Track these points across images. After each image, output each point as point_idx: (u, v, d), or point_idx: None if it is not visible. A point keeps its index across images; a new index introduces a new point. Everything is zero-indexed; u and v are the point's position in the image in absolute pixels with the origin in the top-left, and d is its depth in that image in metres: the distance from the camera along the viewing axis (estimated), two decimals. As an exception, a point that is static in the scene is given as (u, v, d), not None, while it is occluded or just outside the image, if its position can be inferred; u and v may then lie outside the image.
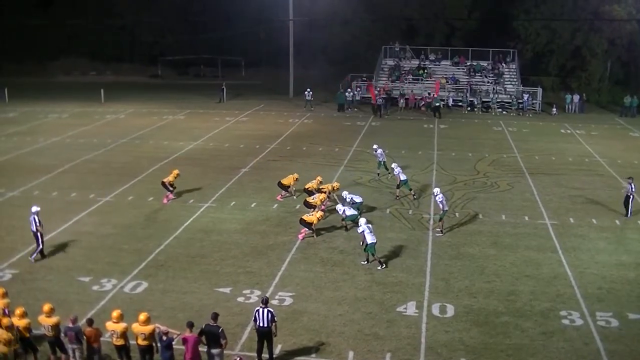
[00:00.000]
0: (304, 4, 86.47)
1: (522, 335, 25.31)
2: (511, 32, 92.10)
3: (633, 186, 38.90)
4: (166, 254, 32.55)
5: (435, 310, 27.10)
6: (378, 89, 77.73)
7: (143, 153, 53.13)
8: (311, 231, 34.89)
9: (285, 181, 41.82)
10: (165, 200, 40.85)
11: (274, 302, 27.47)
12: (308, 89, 76.69)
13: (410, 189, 42.20)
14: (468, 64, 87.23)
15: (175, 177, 41.56)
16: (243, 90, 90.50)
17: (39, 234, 31.88)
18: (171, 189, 41.17)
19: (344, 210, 35.93)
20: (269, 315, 22.63)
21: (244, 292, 28.52)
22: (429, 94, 76.82)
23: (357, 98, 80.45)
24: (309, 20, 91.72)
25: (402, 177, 41.34)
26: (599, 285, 29.80)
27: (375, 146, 48.20)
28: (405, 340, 24.61)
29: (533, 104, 78.50)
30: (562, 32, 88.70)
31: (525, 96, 78.34)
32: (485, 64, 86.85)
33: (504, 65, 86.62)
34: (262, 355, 23.03)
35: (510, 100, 78.82)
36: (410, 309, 27.25)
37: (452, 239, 35.17)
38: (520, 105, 77.67)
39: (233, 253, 32.81)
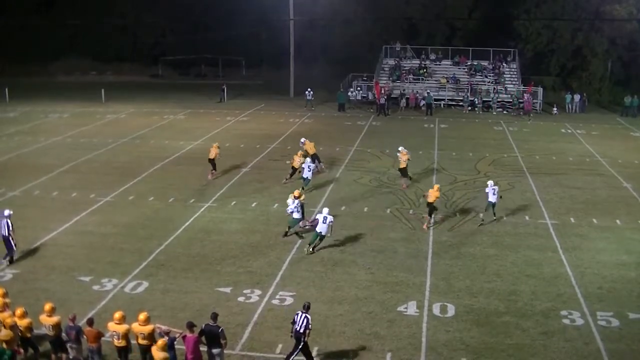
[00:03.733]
0: (304, 4, 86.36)
1: (523, 335, 25.32)
2: (512, 32, 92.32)
3: None
4: (167, 254, 32.56)
5: (436, 310, 27.11)
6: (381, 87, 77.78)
7: (144, 153, 53.17)
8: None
9: (295, 164, 43.83)
10: (209, 176, 45.36)
11: (275, 301, 27.54)
12: (309, 89, 76.81)
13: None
14: (469, 63, 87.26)
15: (217, 150, 46.23)
16: (244, 90, 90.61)
17: (10, 239, 31.32)
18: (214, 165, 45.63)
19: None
20: (305, 321, 22.45)
21: (244, 291, 28.51)
22: (429, 93, 76.85)
23: (359, 97, 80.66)
24: (309, 20, 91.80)
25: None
26: (599, 285, 29.82)
27: (400, 148, 46.50)
28: (405, 340, 24.62)
29: (534, 103, 78.45)
30: (562, 32, 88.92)
31: (526, 96, 78.32)
32: (486, 64, 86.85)
33: (505, 64, 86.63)
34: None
35: (511, 100, 78.79)
36: (411, 308, 27.25)
37: (453, 238, 35.19)
38: (521, 105, 77.65)
39: (234, 253, 32.82)
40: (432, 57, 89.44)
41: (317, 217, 34.08)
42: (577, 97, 78.66)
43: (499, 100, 78.87)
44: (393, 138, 59.02)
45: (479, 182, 45.79)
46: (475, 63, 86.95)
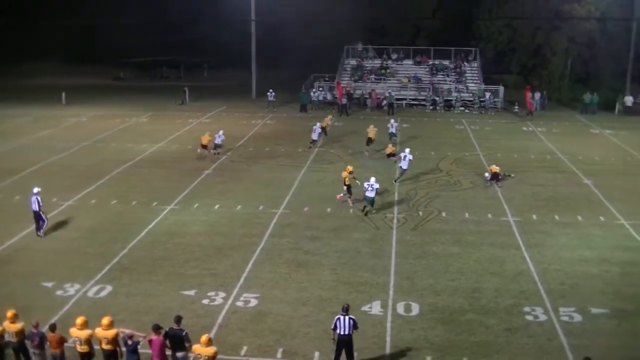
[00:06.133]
0: (267, 5, 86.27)
1: (487, 332, 25.49)
2: (474, 32, 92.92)
3: None
4: (130, 257, 32.39)
5: (400, 309, 27.19)
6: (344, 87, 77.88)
7: (106, 156, 52.76)
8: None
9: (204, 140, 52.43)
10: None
11: (239, 303, 27.51)
12: (270, 90, 76.77)
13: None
14: (430, 63, 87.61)
15: (329, 123, 59.80)
16: (206, 91, 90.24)
17: (41, 213, 35.05)
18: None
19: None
20: (351, 322, 22.47)
21: (208, 294, 28.44)
22: (390, 92, 77.17)
23: (321, 98, 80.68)
24: (271, 21, 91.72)
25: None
26: (562, 280, 30.10)
27: (392, 120, 59.41)
28: (370, 340, 24.65)
29: (495, 102, 79.02)
30: (523, 31, 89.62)
31: (487, 94, 78.89)
32: (448, 63, 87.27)
33: (466, 64, 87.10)
34: None
35: (473, 99, 79.28)
36: (376, 308, 27.34)
37: (416, 237, 35.32)
38: (482, 104, 78.15)
39: (197, 255, 32.72)
40: (394, 56, 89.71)
41: (401, 155, 46.36)
42: (537, 95, 79.14)
43: (461, 99, 79.30)
44: (355, 138, 59.13)
45: (441, 180, 46.11)
46: (436, 62, 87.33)
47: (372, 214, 38.65)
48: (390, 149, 50.86)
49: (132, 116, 71.70)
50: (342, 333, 22.45)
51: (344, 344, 22.58)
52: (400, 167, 45.69)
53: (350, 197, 40.52)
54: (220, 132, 53.30)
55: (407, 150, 45.94)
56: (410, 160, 45.06)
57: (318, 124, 56.67)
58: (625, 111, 77.08)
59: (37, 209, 34.86)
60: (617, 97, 79.08)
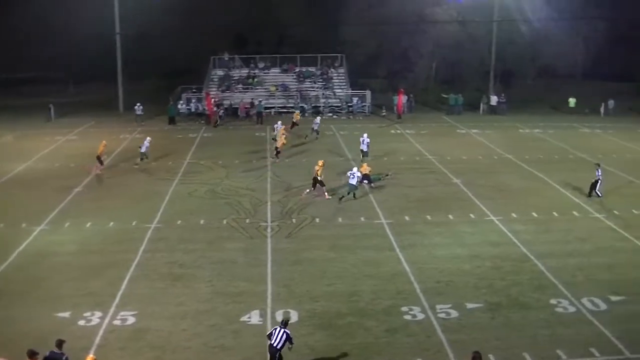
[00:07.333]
0: (131, 18, 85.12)
1: (367, 334, 25.73)
2: (340, 37, 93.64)
3: (599, 171, 42.73)
4: (0, 282, 31.42)
5: (279, 317, 27.09)
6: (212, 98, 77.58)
7: (-31, 179, 51.06)
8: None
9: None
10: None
11: (116, 322, 26.99)
12: (138, 104, 75.74)
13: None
14: (297, 70, 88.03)
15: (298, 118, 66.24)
16: (72, 107, 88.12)
17: None
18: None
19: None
20: (284, 336, 22.36)
21: (84, 314, 27.75)
22: (260, 101, 77.25)
23: (193, 110, 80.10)
24: (137, 33, 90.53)
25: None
26: (437, 279, 30.69)
27: (317, 118, 67.55)
28: (252, 350, 24.54)
29: (363, 106, 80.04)
30: (389, 36, 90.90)
31: (355, 99, 79.90)
32: (314, 70, 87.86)
33: (333, 70, 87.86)
34: None
35: (340, 104, 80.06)
36: (255, 317, 27.25)
37: (291, 245, 35.43)
38: (350, 109, 79.06)
39: (71, 275, 31.91)
40: (261, 65, 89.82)
41: (360, 139, 53.90)
42: (404, 98, 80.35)
43: (328, 105, 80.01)
44: (225, 148, 59.03)
45: (314, 187, 46.33)
46: (303, 70, 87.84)
47: (347, 201, 42.99)
48: (280, 141, 55.47)
49: (-5, 136, 69.59)
50: (273, 344, 22.44)
51: (274, 355, 22.58)
52: (362, 150, 53.57)
53: (309, 191, 44.23)
54: (147, 139, 54.44)
55: (365, 134, 54.71)
56: (368, 143, 53.64)
57: (279, 122, 62.16)
58: (490, 111, 79.27)
59: None
60: (481, 97, 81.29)
